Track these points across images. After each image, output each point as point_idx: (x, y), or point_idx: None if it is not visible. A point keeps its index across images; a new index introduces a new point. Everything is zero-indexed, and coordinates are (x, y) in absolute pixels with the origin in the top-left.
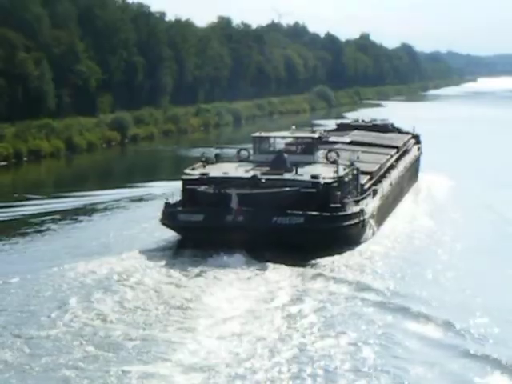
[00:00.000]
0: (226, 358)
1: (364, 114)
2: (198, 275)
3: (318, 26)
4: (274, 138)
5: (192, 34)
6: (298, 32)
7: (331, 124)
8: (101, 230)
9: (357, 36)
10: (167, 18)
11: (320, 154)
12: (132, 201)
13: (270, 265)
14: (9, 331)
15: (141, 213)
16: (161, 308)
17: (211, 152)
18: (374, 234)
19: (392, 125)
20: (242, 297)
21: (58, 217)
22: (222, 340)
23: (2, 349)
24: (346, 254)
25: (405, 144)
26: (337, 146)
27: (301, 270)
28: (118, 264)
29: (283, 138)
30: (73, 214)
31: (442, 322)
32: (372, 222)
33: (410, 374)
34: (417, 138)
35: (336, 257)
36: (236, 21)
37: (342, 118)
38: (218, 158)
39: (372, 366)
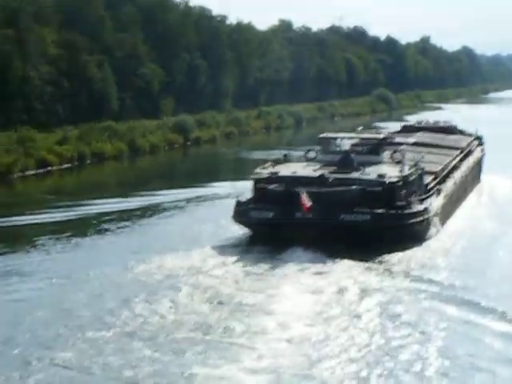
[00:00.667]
0: (294, 361)
1: (425, 117)
2: (268, 271)
3: (378, 29)
4: (341, 138)
5: (253, 36)
6: (358, 35)
7: (393, 126)
8: (165, 229)
9: (417, 39)
10: (228, 22)
11: (385, 154)
12: (196, 201)
13: (339, 261)
14: (70, 331)
15: (206, 212)
16: (227, 307)
17: (274, 154)
18: (438, 231)
19: (455, 127)
20: (311, 294)
21: (120, 217)
22: (290, 342)
23: (66, 348)
24: (412, 251)
25: (468, 145)
26: (402, 147)
27: (370, 265)
28: (185, 261)
29: (350, 138)
30: (136, 214)
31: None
32: (436, 220)
33: (484, 372)
34: (480, 140)
35: (402, 253)
36: (297, 24)
37: (403, 120)
38: (287, 158)
39: (457, 366)
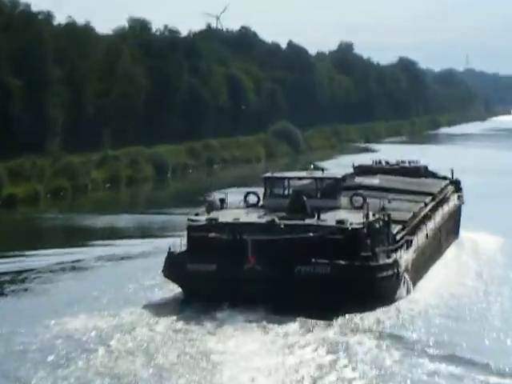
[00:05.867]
0: None
1: (347, 164)
2: (210, 337)
3: (275, 36)
4: (289, 179)
5: (92, 44)
6: (246, 41)
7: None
8: None
9: (335, 47)
10: (56, 22)
11: (343, 199)
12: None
13: (299, 323)
14: None
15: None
16: None
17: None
18: (409, 291)
19: (426, 168)
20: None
21: None
22: None
23: None
24: (380, 312)
25: (442, 191)
26: (361, 191)
27: (332, 337)
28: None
29: (300, 178)
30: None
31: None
32: (407, 276)
33: None
34: (457, 185)
35: (368, 314)
36: (157, 25)
37: (316, 168)
38: (223, 204)
39: None
